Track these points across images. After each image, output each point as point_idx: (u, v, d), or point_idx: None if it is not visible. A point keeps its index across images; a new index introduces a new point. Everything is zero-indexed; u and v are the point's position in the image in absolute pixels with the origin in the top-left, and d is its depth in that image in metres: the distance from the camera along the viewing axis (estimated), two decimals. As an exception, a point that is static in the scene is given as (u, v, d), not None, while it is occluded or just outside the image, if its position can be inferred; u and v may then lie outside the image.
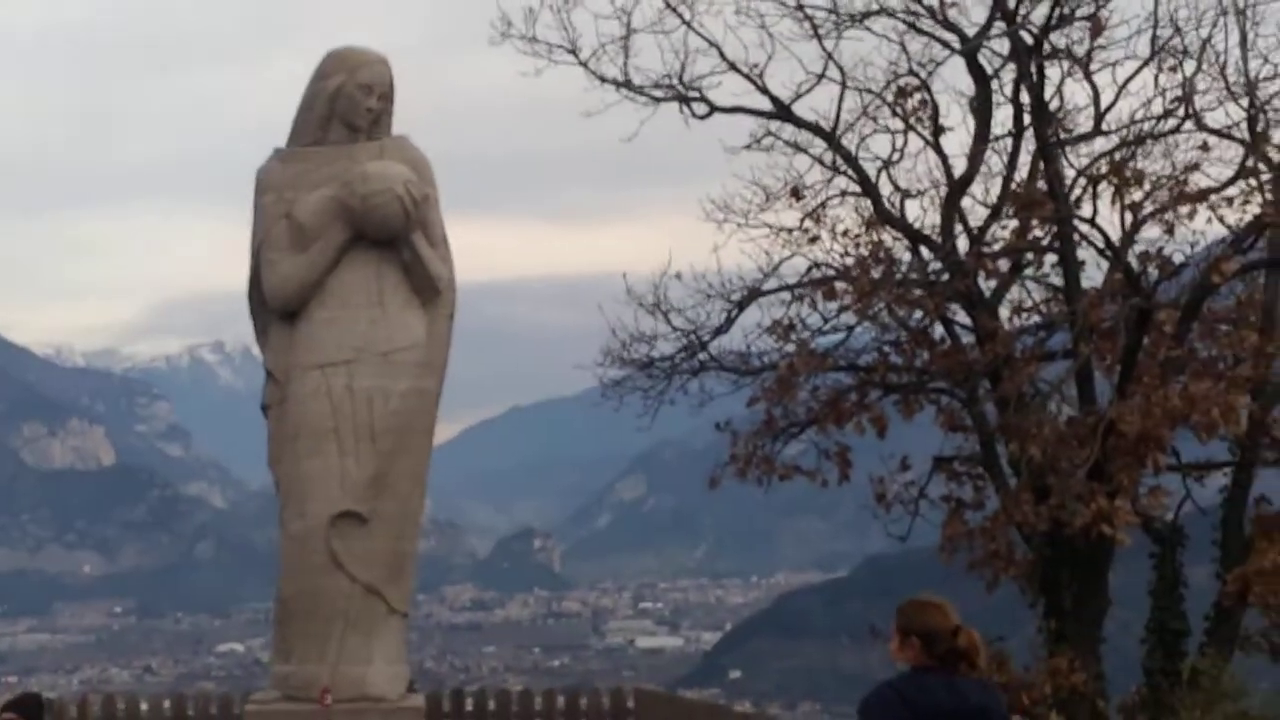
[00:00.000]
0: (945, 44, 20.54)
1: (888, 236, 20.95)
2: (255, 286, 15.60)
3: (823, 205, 21.20)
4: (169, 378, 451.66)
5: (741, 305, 21.18)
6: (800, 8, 20.50)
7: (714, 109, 21.14)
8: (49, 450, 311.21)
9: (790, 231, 21.12)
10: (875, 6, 20.40)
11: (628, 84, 20.90)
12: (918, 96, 20.88)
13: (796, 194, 21.16)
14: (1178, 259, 19.97)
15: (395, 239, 15.06)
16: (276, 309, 15.38)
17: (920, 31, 20.54)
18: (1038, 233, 20.64)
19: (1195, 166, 20.21)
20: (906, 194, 21.07)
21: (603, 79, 20.90)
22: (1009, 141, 20.92)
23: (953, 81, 24.70)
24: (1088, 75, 20.27)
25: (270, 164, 15.53)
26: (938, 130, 20.92)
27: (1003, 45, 20.28)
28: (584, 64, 20.84)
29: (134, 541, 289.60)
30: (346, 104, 15.34)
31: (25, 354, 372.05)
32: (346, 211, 15.01)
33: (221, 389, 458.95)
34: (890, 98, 20.92)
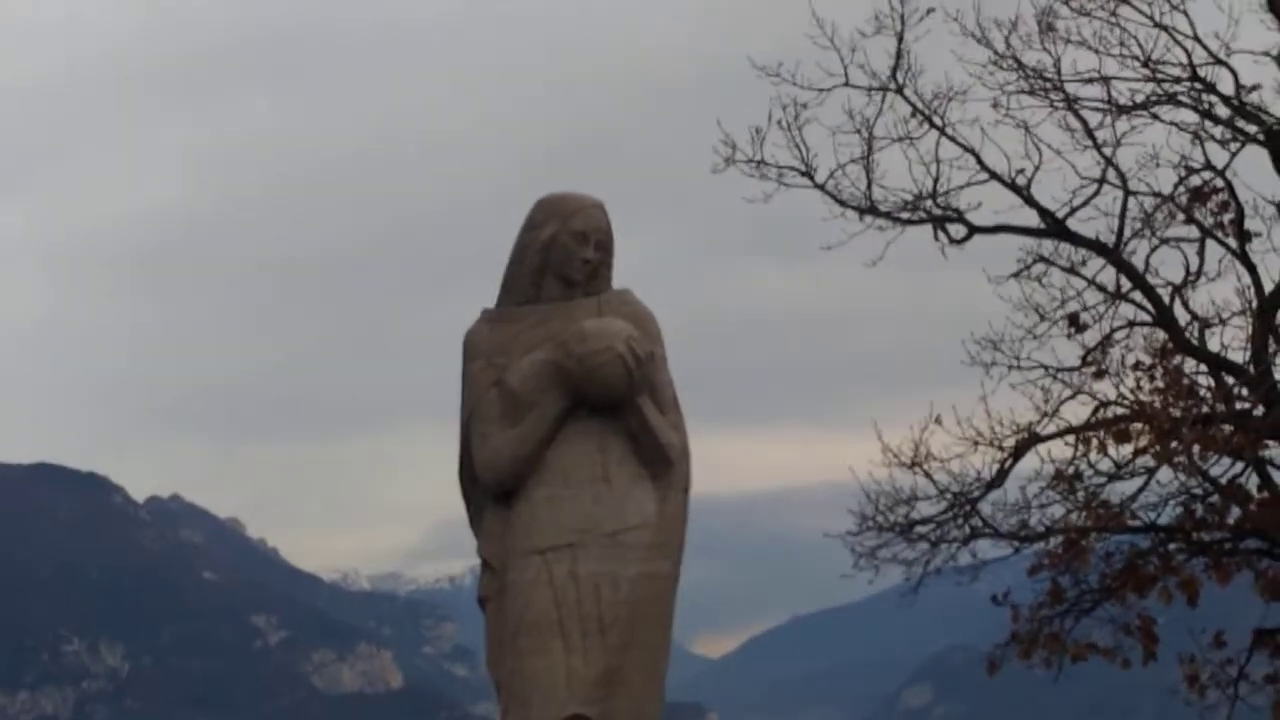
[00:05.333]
0: (1243, 135, 17.87)
1: (1188, 366, 18.38)
2: (465, 464, 13.79)
3: (1108, 338, 18.81)
4: (453, 598, 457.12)
5: (1016, 454, 18.66)
6: (1070, 103, 18.26)
7: (973, 230, 18.89)
8: (338, 675, 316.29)
9: (1071, 371, 18.88)
10: (1159, 94, 17.96)
11: (873, 209, 18.74)
12: (1218, 198, 18.31)
13: (1076, 323, 18.69)
14: None
15: (619, 404, 13.19)
16: (490, 488, 13.45)
17: (1216, 119, 17.94)
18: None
19: None
20: (1206, 323, 18.53)
21: (842, 203, 18.82)
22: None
23: (1250, 180, 21.76)
24: None
25: (478, 327, 13.68)
26: (1243, 236, 18.36)
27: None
28: (820, 186, 18.86)
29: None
30: (560, 255, 13.48)
31: (314, 580, 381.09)
32: (563, 375, 13.13)
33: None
34: (1184, 201, 18.34)
